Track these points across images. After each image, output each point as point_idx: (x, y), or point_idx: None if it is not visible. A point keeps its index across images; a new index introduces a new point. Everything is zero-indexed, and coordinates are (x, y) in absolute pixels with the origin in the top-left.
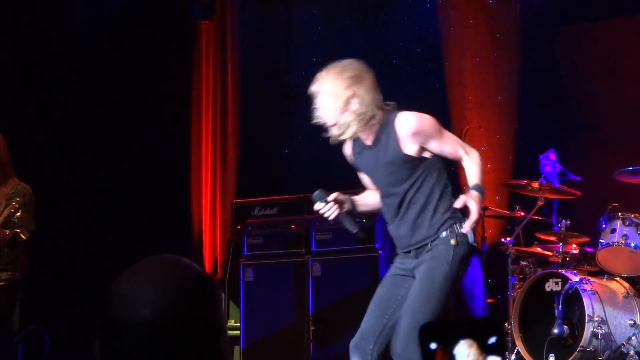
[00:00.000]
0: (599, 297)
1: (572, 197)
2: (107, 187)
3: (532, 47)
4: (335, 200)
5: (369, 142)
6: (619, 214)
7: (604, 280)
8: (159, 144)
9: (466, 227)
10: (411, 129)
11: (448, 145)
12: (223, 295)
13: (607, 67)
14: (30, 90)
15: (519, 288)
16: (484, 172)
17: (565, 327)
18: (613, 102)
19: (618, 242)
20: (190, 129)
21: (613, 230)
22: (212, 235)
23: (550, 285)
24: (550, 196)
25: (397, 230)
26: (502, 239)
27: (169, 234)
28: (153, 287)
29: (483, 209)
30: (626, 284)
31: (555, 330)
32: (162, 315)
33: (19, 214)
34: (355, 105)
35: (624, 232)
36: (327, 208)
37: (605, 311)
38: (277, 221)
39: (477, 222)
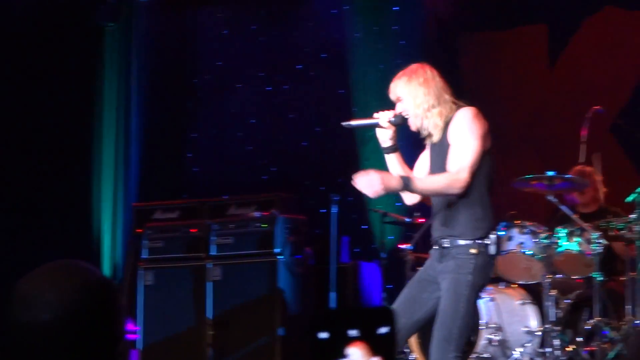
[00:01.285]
0: (495, 304)
1: None
2: (4, 188)
3: (436, 54)
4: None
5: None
6: (517, 222)
7: (501, 287)
8: (59, 145)
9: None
10: (454, 122)
11: (456, 152)
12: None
13: (508, 75)
14: None
15: None
16: (439, 191)
17: None
18: (512, 110)
19: (515, 250)
20: (92, 131)
21: (510, 238)
22: (112, 238)
23: None
24: None
25: (435, 220)
26: (401, 245)
27: (68, 236)
28: (53, 290)
29: (382, 214)
30: (522, 292)
31: None
32: (60, 319)
33: None
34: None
35: (521, 240)
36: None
37: (502, 318)
38: (178, 225)
39: (366, 190)
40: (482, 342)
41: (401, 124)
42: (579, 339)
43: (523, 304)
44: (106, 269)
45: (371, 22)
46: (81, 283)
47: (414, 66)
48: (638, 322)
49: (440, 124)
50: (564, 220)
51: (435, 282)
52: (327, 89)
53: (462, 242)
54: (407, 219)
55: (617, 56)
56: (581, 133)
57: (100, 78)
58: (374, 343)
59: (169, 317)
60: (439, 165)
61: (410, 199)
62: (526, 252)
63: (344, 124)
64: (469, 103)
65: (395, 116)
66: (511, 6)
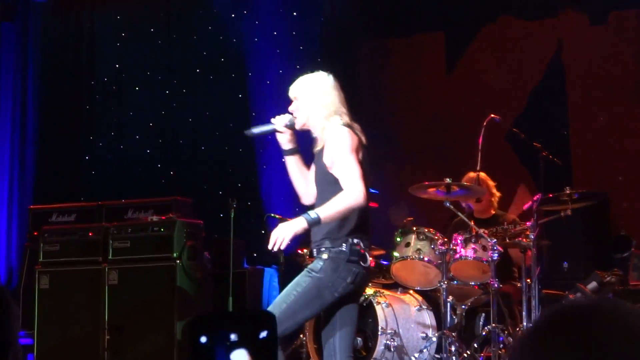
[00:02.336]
0: (393, 309)
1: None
2: None
3: (335, 60)
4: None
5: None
6: (414, 228)
7: (398, 293)
8: None
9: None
10: (330, 141)
11: (342, 171)
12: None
13: (405, 82)
14: None
15: None
16: (344, 212)
17: (359, 339)
18: (410, 117)
19: (412, 256)
20: None
21: (407, 244)
22: (7, 241)
23: None
24: None
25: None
26: (299, 250)
27: None
28: None
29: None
30: (419, 297)
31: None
32: None
33: None
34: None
35: (418, 246)
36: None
37: (399, 323)
38: (75, 228)
39: (277, 236)
40: (379, 347)
41: (294, 126)
42: (475, 345)
43: (420, 309)
44: (1, 273)
45: (270, 27)
46: None
47: (320, 72)
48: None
49: (322, 136)
50: (461, 227)
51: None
52: (226, 93)
53: (322, 248)
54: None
55: (513, 64)
56: (478, 140)
57: None
58: (254, 348)
59: (65, 321)
60: (316, 173)
61: (307, 199)
62: (423, 259)
63: (246, 132)
64: (355, 118)
65: (289, 120)
66: (408, 14)
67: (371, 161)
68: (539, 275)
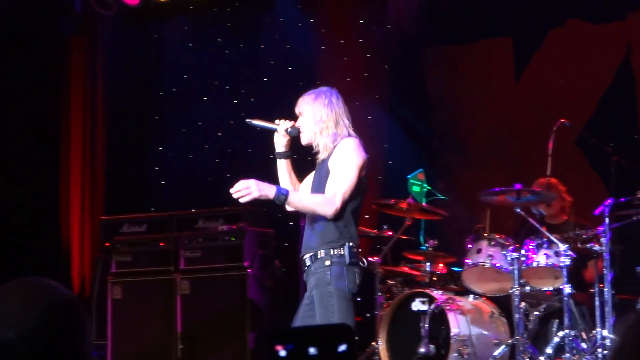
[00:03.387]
0: (465, 316)
1: (439, 218)
2: None
3: (402, 67)
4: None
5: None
6: (485, 235)
7: (470, 300)
8: (26, 159)
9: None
10: (337, 149)
11: (335, 178)
12: (90, 318)
13: (473, 88)
14: None
15: (387, 307)
16: (309, 211)
17: (432, 346)
18: (479, 123)
19: (484, 262)
20: (60, 145)
21: (479, 251)
22: (80, 252)
23: (417, 305)
24: (418, 216)
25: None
26: (370, 258)
27: (36, 250)
28: (17, 309)
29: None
30: (492, 304)
31: (422, 350)
32: (25, 338)
33: None
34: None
35: (490, 253)
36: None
37: (471, 330)
38: (146, 238)
39: (241, 194)
40: (452, 354)
41: (296, 136)
42: (549, 351)
43: (492, 316)
44: (75, 284)
45: (337, 35)
46: (47, 301)
47: (323, 88)
48: (606, 333)
49: (331, 146)
50: (532, 233)
51: (312, 302)
52: (293, 101)
53: (319, 254)
54: (375, 232)
55: (582, 69)
56: (548, 146)
57: (67, 91)
58: None
59: (138, 331)
60: (317, 182)
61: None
62: (495, 265)
63: (247, 120)
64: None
65: (292, 127)
66: (475, 19)
67: (440, 168)
68: (612, 280)
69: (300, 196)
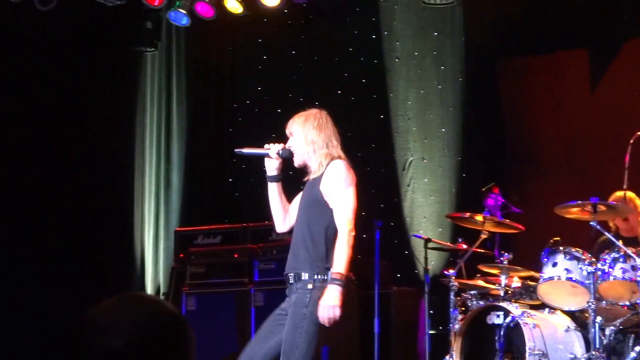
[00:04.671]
0: (540, 330)
1: (514, 231)
2: (49, 215)
3: (476, 79)
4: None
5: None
6: (561, 248)
7: (546, 313)
8: (102, 172)
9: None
10: (328, 172)
11: (338, 207)
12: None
13: (547, 100)
14: None
15: (461, 320)
16: (350, 254)
17: None
18: (552, 135)
19: (559, 276)
20: (134, 156)
21: (555, 264)
22: (154, 263)
23: (492, 318)
24: (493, 229)
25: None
26: (445, 271)
27: (111, 261)
28: (128, 319)
29: (426, 239)
30: (567, 318)
31: None
32: (133, 348)
33: None
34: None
35: (566, 266)
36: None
37: (546, 344)
38: (220, 250)
39: (325, 314)
40: None
41: (288, 158)
42: None
43: (568, 330)
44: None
45: (411, 47)
46: (155, 314)
47: (313, 110)
48: None
49: (324, 164)
50: (608, 246)
51: (286, 315)
52: (367, 114)
53: (303, 276)
54: (450, 245)
55: None
56: (624, 159)
57: (142, 103)
58: None
59: (212, 342)
60: (307, 201)
61: (282, 227)
62: (571, 279)
63: (236, 151)
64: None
65: (283, 149)
66: (549, 31)
67: (513, 180)
68: None
69: (339, 260)
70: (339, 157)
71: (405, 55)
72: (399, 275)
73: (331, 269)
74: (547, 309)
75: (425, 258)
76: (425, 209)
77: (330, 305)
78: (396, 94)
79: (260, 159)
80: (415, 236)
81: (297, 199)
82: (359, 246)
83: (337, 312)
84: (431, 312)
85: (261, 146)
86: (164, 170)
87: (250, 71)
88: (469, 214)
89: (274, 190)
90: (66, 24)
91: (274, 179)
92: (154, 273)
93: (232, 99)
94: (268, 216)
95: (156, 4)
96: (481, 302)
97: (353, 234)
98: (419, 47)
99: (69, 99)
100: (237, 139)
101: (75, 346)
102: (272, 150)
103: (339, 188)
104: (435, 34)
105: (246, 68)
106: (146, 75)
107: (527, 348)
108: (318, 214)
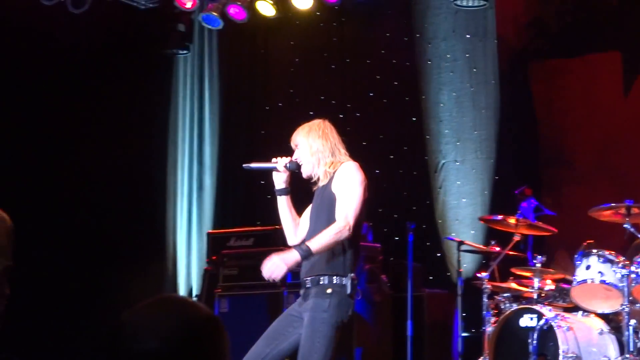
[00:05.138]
0: (574, 333)
1: (547, 233)
2: (82, 217)
3: (508, 82)
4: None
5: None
6: (594, 251)
7: (579, 316)
8: (135, 173)
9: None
10: (339, 173)
11: (342, 202)
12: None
13: (580, 102)
14: (7, 121)
15: (494, 323)
16: (332, 244)
17: None
18: (585, 138)
19: (593, 279)
20: (167, 158)
21: (588, 267)
22: (187, 265)
23: (525, 321)
24: (526, 232)
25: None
26: (478, 274)
27: (144, 264)
28: (164, 321)
29: (458, 242)
30: (601, 321)
31: None
32: (169, 350)
33: None
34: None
35: (599, 269)
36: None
37: (580, 347)
38: (253, 252)
39: (269, 269)
40: None
41: (295, 170)
42: None
43: (602, 333)
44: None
45: (443, 50)
46: (191, 316)
47: (316, 121)
48: None
49: (330, 171)
50: None
51: (301, 318)
52: (399, 116)
53: (321, 281)
54: (483, 247)
55: None
56: None
57: (174, 106)
58: None
59: (244, 344)
60: (318, 208)
61: (294, 239)
62: (604, 282)
63: (244, 166)
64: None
65: (290, 162)
66: (583, 34)
67: (547, 183)
68: None
69: (318, 239)
70: (350, 160)
71: (438, 58)
72: (431, 278)
73: (309, 243)
74: (580, 312)
75: (458, 261)
76: (457, 212)
77: (281, 263)
78: (428, 97)
79: (268, 172)
80: (448, 239)
81: (307, 211)
82: (392, 248)
83: (280, 272)
84: (464, 314)
85: (269, 160)
86: (197, 173)
87: (282, 74)
88: (501, 216)
89: (283, 204)
90: (99, 26)
91: (283, 192)
92: (186, 275)
93: (264, 101)
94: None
95: (188, 6)
96: (514, 305)
97: (347, 233)
98: (451, 50)
99: (102, 101)
100: (268, 141)
101: (112, 349)
102: (280, 163)
103: (346, 185)
104: (468, 36)
105: (278, 70)
106: (179, 78)
107: (560, 351)
108: (332, 218)
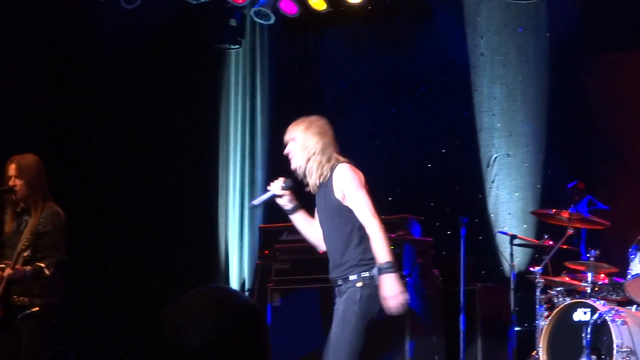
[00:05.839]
0: (628, 327)
1: (601, 227)
2: (134, 211)
3: (561, 75)
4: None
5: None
6: None
7: (633, 310)
8: (187, 168)
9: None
10: (337, 175)
11: (357, 207)
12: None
13: (634, 96)
14: (61, 116)
15: (547, 317)
16: (386, 242)
17: (594, 357)
18: None
19: None
20: (218, 153)
21: None
22: (239, 259)
23: (579, 315)
24: (579, 226)
25: (330, 262)
26: (531, 268)
27: (196, 258)
28: (205, 316)
29: (511, 236)
30: None
31: None
32: (213, 345)
33: (48, 241)
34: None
35: None
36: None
37: (634, 341)
38: (305, 246)
39: (393, 305)
40: None
41: (293, 185)
42: None
43: None
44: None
45: (495, 43)
46: (231, 308)
47: (314, 117)
48: None
49: (325, 173)
50: None
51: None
52: (451, 110)
53: (351, 277)
54: (535, 242)
55: None
56: None
57: (226, 101)
58: None
59: (297, 339)
60: (326, 215)
61: (322, 245)
62: None
63: (250, 206)
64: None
65: (284, 182)
66: (636, 26)
67: (600, 177)
68: None
69: (380, 250)
70: (342, 161)
71: (490, 52)
72: (483, 272)
73: (376, 263)
74: (634, 306)
75: (511, 255)
76: (510, 206)
77: (392, 295)
78: (480, 90)
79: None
80: (501, 233)
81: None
82: (444, 243)
83: (402, 298)
84: (517, 308)
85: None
86: (249, 167)
87: (333, 68)
88: (554, 210)
89: (300, 220)
90: (151, 22)
91: (294, 210)
92: (238, 269)
93: (316, 95)
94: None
95: (240, 1)
96: (567, 299)
97: (381, 225)
98: (504, 43)
99: (154, 97)
100: None
101: (155, 346)
102: (275, 188)
103: (351, 191)
104: (520, 29)
105: (330, 65)
106: (230, 73)
107: (614, 345)
108: (343, 220)
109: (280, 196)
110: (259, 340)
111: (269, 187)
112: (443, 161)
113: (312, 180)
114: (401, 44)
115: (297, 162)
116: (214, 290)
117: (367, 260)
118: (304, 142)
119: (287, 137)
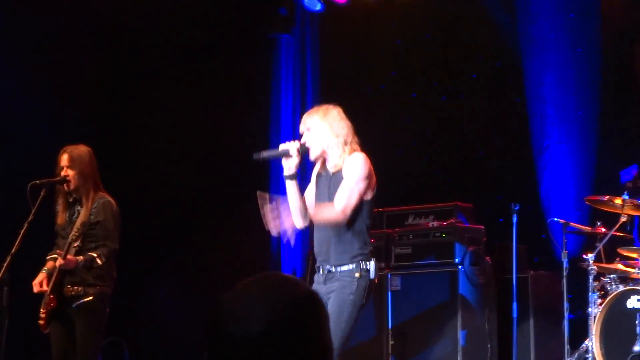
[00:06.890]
0: None
1: None
2: (187, 200)
3: (614, 61)
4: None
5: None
6: None
7: None
8: (236, 156)
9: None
10: (348, 162)
11: (344, 191)
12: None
13: None
14: (113, 105)
15: (600, 305)
16: (324, 221)
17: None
18: None
19: None
20: (270, 142)
21: None
22: (289, 248)
23: (632, 302)
24: (632, 212)
25: (319, 247)
26: (584, 255)
27: (251, 247)
28: (264, 303)
29: (564, 223)
30: None
31: (637, 348)
32: (272, 332)
33: (100, 231)
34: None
35: None
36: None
37: None
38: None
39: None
40: None
41: (306, 153)
42: None
43: None
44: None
45: (547, 30)
46: (289, 294)
47: (328, 105)
48: None
49: (340, 160)
50: None
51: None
52: (502, 97)
53: (349, 267)
54: (588, 229)
55: None
56: None
57: (276, 89)
58: None
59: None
60: (333, 195)
61: (302, 223)
62: None
63: (255, 156)
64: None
65: (302, 146)
66: None
67: None
68: None
69: (321, 209)
70: (359, 150)
71: (541, 38)
72: (536, 260)
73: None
74: None
75: (564, 242)
76: (562, 193)
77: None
78: (532, 77)
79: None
80: (553, 220)
81: (310, 190)
82: (496, 230)
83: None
84: (570, 296)
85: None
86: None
87: (383, 56)
88: (607, 197)
89: (293, 188)
90: (202, 11)
91: (293, 177)
92: (289, 258)
93: (366, 84)
94: (403, 201)
95: None
96: (621, 286)
97: (336, 221)
98: (555, 29)
99: (204, 85)
100: (371, 123)
101: (213, 333)
102: (292, 148)
103: (351, 177)
104: (572, 15)
105: (379, 53)
106: (280, 61)
107: None
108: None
109: (291, 156)
110: (317, 326)
111: (282, 145)
112: (494, 149)
113: (334, 168)
114: (451, 32)
115: (315, 152)
116: (272, 277)
117: (366, 252)
118: (329, 128)
119: (302, 127)
